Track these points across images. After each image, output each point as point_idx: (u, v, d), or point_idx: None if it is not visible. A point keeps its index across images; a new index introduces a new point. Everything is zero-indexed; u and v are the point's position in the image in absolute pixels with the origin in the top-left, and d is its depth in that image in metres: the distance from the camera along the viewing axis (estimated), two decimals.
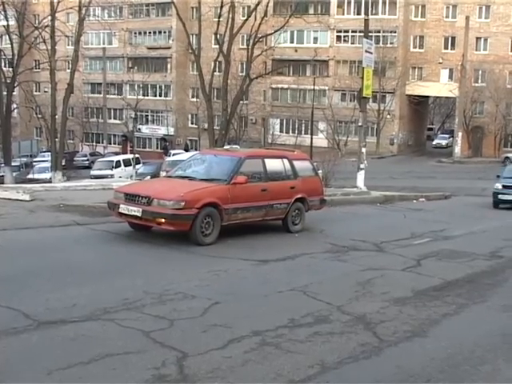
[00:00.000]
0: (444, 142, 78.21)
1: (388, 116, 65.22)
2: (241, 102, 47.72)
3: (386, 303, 8.95)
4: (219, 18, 40.52)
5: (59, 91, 42.02)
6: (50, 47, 40.08)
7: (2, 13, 41.50)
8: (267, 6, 44.29)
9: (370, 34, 30.28)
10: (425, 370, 6.50)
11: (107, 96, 71.10)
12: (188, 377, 5.99)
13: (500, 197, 25.02)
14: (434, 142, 79.74)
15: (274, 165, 14.92)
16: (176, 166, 16.96)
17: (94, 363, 6.18)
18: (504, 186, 24.97)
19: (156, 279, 9.56)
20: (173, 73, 75.10)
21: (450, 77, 65.92)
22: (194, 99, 68.76)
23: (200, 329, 7.36)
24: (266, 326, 7.52)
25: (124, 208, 12.88)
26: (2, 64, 42.97)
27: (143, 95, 71.86)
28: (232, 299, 8.79)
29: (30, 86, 60.14)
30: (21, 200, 17.27)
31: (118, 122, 73.74)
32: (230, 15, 39.17)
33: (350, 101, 63.36)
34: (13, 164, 45.45)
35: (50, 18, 40.53)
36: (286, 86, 69.91)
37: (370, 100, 34.48)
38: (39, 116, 51.74)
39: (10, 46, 42.71)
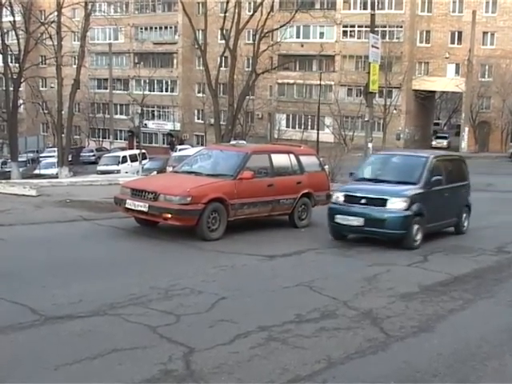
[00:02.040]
0: (445, 142, 70.02)
1: (394, 111, 65.05)
2: (247, 97, 47.65)
3: (393, 298, 8.94)
4: (225, 13, 40.51)
5: (65, 87, 42.05)
6: (56, 43, 40.12)
7: (9, 8, 41.48)
8: (273, 1, 44.19)
9: (376, 29, 30.26)
10: (432, 366, 6.48)
11: (113, 91, 71.21)
12: (195, 372, 6.00)
13: (340, 219, 13.41)
14: (434, 143, 69.91)
15: (280, 160, 14.93)
16: (182, 161, 16.96)
17: (100, 358, 6.19)
18: (348, 198, 13.50)
19: (162, 274, 9.57)
20: (179, 68, 75.09)
21: (457, 72, 65.75)
22: (201, 94, 68.71)
23: (206, 324, 7.37)
24: (273, 321, 7.52)
25: (130, 203, 12.90)
26: (9, 60, 42.95)
27: (149, 91, 71.72)
28: (238, 294, 8.79)
29: (37, 81, 60.09)
30: (27, 195, 17.33)
31: (124, 117, 73.71)
32: (236, 10, 39.15)
33: (357, 96, 63.32)
34: (19, 159, 45.56)
35: (56, 13, 40.54)
36: (292, 82, 69.83)
37: (377, 95, 34.46)
38: (45, 112, 51.73)
39: (16, 41, 42.70)
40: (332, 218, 13.64)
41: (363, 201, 13.16)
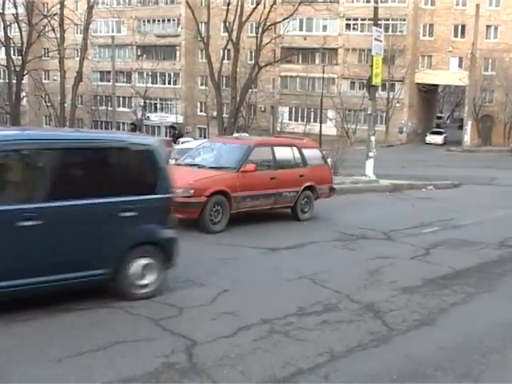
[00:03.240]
0: (440, 139, 66.64)
1: (397, 104, 64.91)
2: (250, 90, 47.72)
3: (395, 292, 8.94)
4: (228, 5, 40.51)
5: (68, 79, 42.11)
6: (58, 35, 40.21)
7: (11, 1, 41.49)
8: None
9: (379, 22, 30.11)
10: (434, 359, 6.49)
11: (116, 84, 70.84)
12: (197, 365, 6.01)
13: None
14: (428, 139, 66.71)
15: (283, 153, 14.92)
16: (185, 153, 16.95)
17: (102, 351, 6.20)
18: None
19: None
20: (182, 61, 74.96)
21: (460, 65, 65.55)
22: (203, 87, 68.73)
23: (209, 317, 7.38)
24: (275, 314, 7.53)
25: None
26: (11, 52, 42.96)
27: (152, 83, 71.72)
28: (241, 287, 8.80)
29: (39, 74, 60.15)
30: None
31: (126, 110, 73.76)
32: (239, 3, 39.11)
33: (359, 89, 63.07)
34: None
35: (58, 6, 40.58)
36: (294, 74, 69.67)
37: (379, 88, 34.36)
38: (48, 104, 51.82)
39: (19, 34, 42.76)
40: None
41: None
